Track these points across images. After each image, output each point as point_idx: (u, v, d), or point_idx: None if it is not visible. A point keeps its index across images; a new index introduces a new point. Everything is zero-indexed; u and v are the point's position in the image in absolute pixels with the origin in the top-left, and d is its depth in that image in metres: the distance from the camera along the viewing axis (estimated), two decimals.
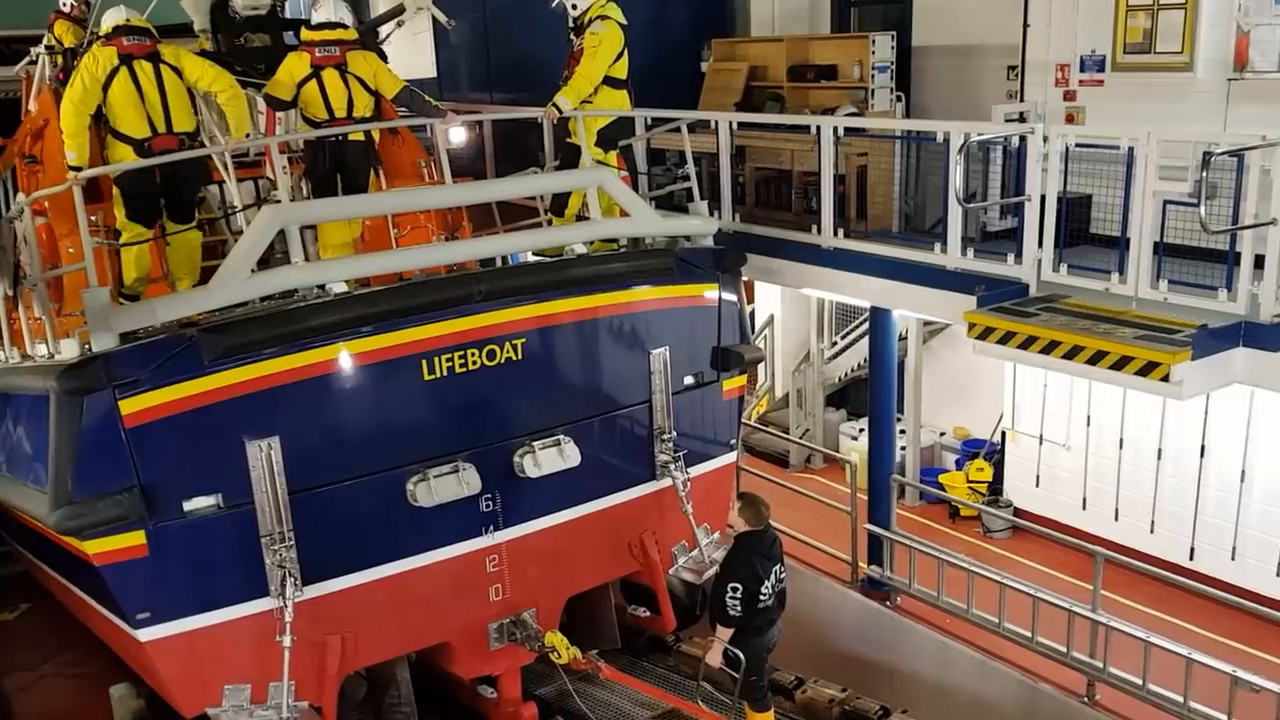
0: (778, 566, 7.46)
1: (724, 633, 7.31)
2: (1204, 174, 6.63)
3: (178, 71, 7.50)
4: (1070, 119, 10.05)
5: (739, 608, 7.20)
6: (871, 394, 9.90)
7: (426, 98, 8.59)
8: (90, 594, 7.02)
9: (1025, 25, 10.49)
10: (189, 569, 6.36)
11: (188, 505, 6.24)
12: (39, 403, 6.26)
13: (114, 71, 7.31)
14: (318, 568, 6.59)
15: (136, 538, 6.14)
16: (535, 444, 7.22)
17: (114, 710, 8.01)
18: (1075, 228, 8.01)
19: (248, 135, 7.76)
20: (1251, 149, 6.73)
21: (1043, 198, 7.79)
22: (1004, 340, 7.44)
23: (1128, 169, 7.41)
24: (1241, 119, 8.78)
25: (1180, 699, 7.62)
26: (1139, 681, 7.85)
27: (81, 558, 6.28)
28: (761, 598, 7.29)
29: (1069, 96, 10.17)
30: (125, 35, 7.37)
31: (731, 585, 7.19)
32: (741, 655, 7.25)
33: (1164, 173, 7.15)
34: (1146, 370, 6.69)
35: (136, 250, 7.64)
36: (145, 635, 6.36)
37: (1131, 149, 7.33)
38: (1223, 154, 6.79)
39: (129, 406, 6.00)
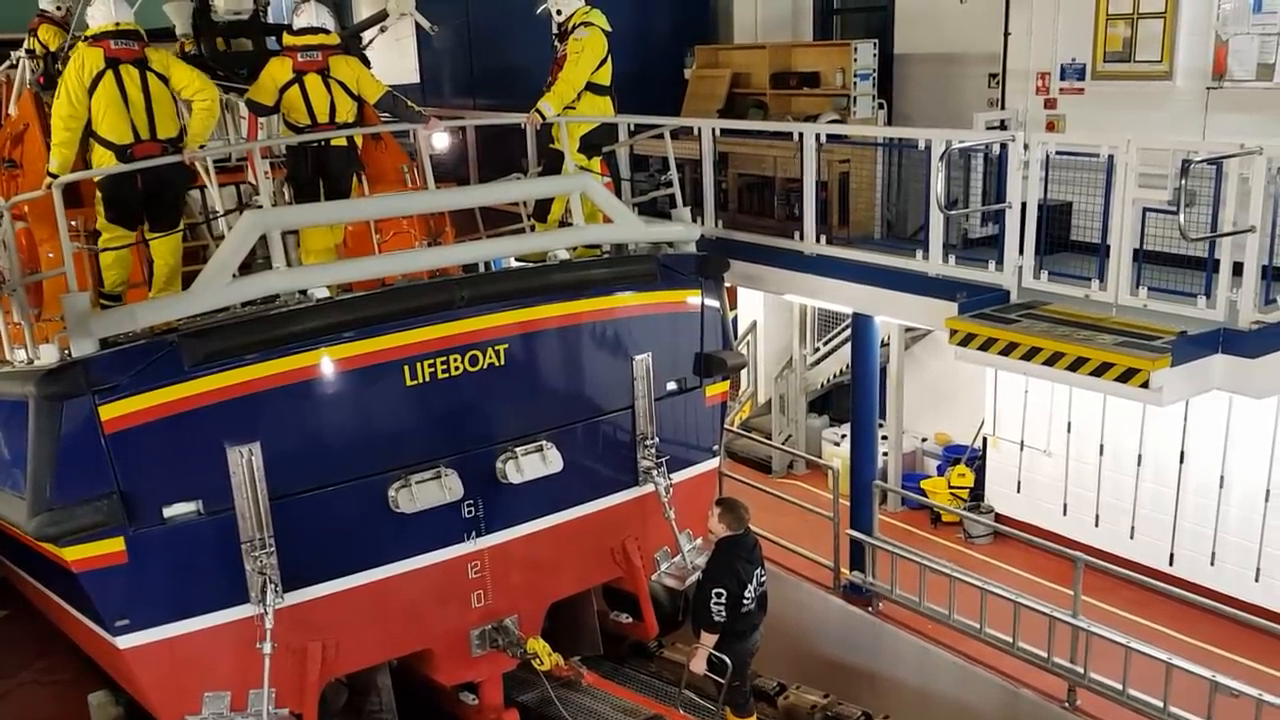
0: (759, 570, 7.46)
1: (708, 639, 7.31)
2: (1183, 182, 6.69)
3: (164, 79, 7.45)
4: (1051, 127, 10.13)
5: (723, 613, 7.20)
6: (854, 400, 9.93)
7: (409, 103, 8.57)
8: (69, 600, 6.97)
9: (1006, 34, 10.57)
10: (169, 575, 6.31)
11: (168, 511, 6.20)
12: (18, 408, 6.21)
13: (99, 75, 7.25)
14: (299, 574, 6.55)
15: (116, 544, 6.09)
16: (518, 449, 7.22)
17: (93, 718, 7.94)
18: (1056, 235, 8.07)
19: (203, 147, 7.69)
20: (1230, 157, 6.80)
21: (1023, 205, 7.85)
22: (985, 346, 7.48)
23: (1108, 177, 7.46)
24: (1220, 127, 8.86)
25: (1160, 704, 7.66)
26: (1119, 686, 7.89)
27: (60, 564, 6.23)
28: (745, 601, 7.29)
29: (1049, 104, 10.25)
30: (114, 39, 7.31)
31: (715, 591, 7.19)
32: (728, 660, 7.25)
33: (1144, 180, 7.20)
34: (1126, 377, 6.74)
35: (116, 252, 7.59)
36: (124, 642, 6.32)
37: (1111, 157, 7.39)
38: (1201, 162, 6.85)
39: (109, 412, 5.97)
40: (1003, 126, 9.87)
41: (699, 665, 7.41)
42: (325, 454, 6.68)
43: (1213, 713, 7.36)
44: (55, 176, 7.05)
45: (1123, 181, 7.27)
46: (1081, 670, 8.12)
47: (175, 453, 6.19)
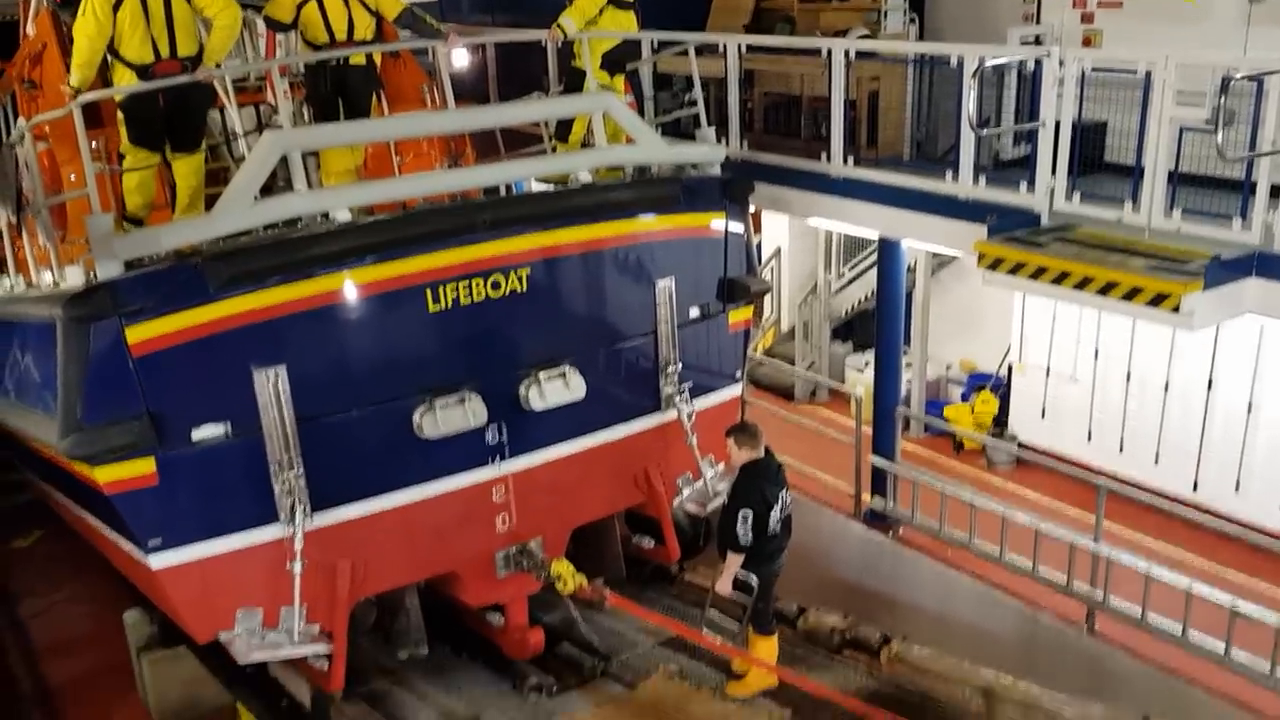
0: (784, 492, 7.47)
1: (734, 559, 7.35)
2: (1222, 99, 6.50)
3: None
4: (1087, 42, 9.89)
5: (749, 534, 7.23)
6: (878, 326, 9.86)
7: (428, 19, 8.42)
8: (102, 521, 7.09)
9: None
10: (199, 496, 6.40)
11: (196, 433, 6.26)
12: (46, 330, 6.25)
13: None
14: (327, 496, 6.63)
15: (146, 465, 6.17)
16: (541, 375, 7.21)
17: (127, 635, 8.14)
18: (1090, 156, 7.90)
19: (219, 65, 7.58)
20: (1272, 74, 6.59)
21: (1057, 124, 7.66)
22: (1014, 271, 7.39)
23: (1144, 94, 7.26)
24: (1262, 42, 8.61)
25: (1179, 629, 7.68)
26: (1138, 613, 7.92)
27: (92, 485, 6.32)
28: (770, 524, 7.32)
29: (1086, 19, 10.00)
30: None
31: (742, 512, 7.20)
32: (754, 580, 7.31)
33: (1181, 98, 7.02)
34: (1157, 301, 6.65)
35: (139, 176, 7.55)
36: (157, 562, 6.43)
37: (1149, 73, 7.18)
38: (1242, 79, 6.65)
39: (135, 334, 5.99)
40: (1038, 42, 9.62)
41: (725, 586, 7.46)
42: (350, 377, 6.70)
43: (1231, 637, 7.39)
44: (76, 92, 6.98)
45: (1160, 99, 7.08)
46: (1101, 596, 8.16)
47: (202, 375, 6.22)
